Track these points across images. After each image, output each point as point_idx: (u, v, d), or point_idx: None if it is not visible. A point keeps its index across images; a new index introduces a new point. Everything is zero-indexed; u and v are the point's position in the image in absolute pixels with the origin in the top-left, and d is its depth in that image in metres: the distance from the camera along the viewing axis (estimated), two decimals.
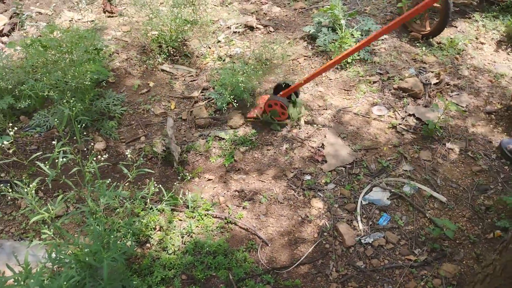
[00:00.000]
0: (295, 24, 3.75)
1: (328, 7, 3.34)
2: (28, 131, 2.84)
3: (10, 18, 4.00)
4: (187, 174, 2.47)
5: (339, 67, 3.21)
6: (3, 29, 3.84)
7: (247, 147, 2.66)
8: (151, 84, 3.24)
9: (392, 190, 2.33)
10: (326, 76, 3.16)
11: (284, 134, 2.72)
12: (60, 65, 2.69)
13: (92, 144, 2.74)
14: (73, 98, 2.58)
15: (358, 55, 3.21)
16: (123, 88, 3.20)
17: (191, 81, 3.24)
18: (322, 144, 2.63)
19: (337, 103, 2.93)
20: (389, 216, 2.21)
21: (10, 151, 1.83)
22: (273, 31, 3.67)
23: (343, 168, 2.49)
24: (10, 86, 2.76)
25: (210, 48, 3.57)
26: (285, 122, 2.76)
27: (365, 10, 3.83)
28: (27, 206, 2.37)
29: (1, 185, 2.43)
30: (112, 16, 3.97)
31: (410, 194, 2.31)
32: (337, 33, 3.30)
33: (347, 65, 3.20)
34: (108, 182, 1.94)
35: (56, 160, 1.80)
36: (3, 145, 2.48)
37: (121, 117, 2.95)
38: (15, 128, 2.69)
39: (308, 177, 2.46)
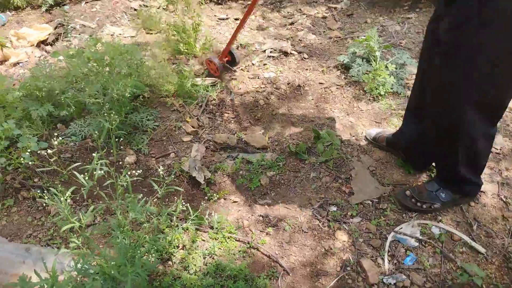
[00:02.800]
0: (329, 53, 3.78)
1: (364, 38, 3.36)
2: (64, 138, 2.93)
3: (55, 28, 4.19)
4: (214, 194, 2.49)
5: (371, 98, 3.20)
6: (47, 38, 4.02)
7: (274, 172, 2.67)
8: (186, 101, 3.31)
9: (420, 230, 2.28)
10: (358, 107, 3.16)
11: (312, 162, 2.72)
12: (101, 77, 2.79)
13: (123, 157, 2.80)
14: (110, 110, 2.66)
15: (392, 88, 3.20)
16: (157, 104, 3.28)
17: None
18: (350, 176, 2.61)
19: None
20: (416, 257, 2.16)
21: (52, 160, 1.87)
22: (307, 58, 3.72)
23: (370, 202, 2.46)
24: (54, 94, 2.88)
25: (243, 70, 3.62)
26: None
27: (401, 43, 3.83)
28: (58, 213, 2.44)
29: (34, 190, 2.51)
30: (151, 33, 4.09)
31: (438, 236, 2.25)
32: (371, 64, 3.31)
33: (380, 97, 3.19)
34: (139, 197, 1.98)
35: (94, 172, 1.84)
36: (39, 152, 2.57)
37: (153, 132, 3.01)
38: (55, 135, 2.80)
39: (334, 208, 2.44)
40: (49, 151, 1.93)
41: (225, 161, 2.76)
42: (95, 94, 2.74)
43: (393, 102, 3.17)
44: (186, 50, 3.73)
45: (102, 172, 1.82)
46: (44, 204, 2.52)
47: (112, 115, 2.56)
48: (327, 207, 2.45)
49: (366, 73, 3.28)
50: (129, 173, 1.95)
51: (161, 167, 2.31)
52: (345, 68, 3.51)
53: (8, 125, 2.47)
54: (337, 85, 3.37)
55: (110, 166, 2.76)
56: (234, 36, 3.27)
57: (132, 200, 1.87)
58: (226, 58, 3.49)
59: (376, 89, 3.19)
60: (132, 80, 2.84)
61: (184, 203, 2.21)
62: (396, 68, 3.28)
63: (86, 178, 1.83)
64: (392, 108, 3.11)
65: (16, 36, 4.01)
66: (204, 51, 3.79)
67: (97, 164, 1.80)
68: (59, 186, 2.55)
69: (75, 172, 1.87)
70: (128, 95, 2.75)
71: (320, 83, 3.41)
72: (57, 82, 2.98)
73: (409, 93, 3.20)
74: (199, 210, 2.27)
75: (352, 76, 3.33)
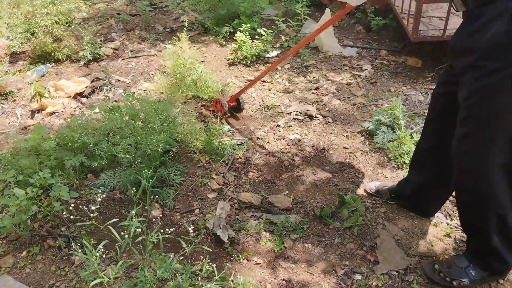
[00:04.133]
0: (353, 118, 3.87)
1: (389, 106, 3.46)
2: (93, 189, 3.00)
3: (92, 81, 4.42)
4: (238, 255, 2.47)
5: (395, 166, 3.23)
6: (84, 91, 4.24)
7: (298, 235, 2.66)
8: (212, 157, 3.39)
9: None
10: (382, 174, 3.19)
11: (337, 227, 2.71)
12: (135, 131, 2.91)
13: (149, 210, 2.84)
14: (141, 164, 2.74)
15: None
16: (184, 159, 3.36)
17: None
18: (375, 244, 2.58)
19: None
20: None
21: (93, 215, 1.92)
22: (332, 122, 3.81)
23: (396, 273, 2.41)
24: (87, 145, 3.00)
25: (267, 132, 3.72)
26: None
27: (424, 113, 3.91)
28: (82, 264, 2.45)
29: (61, 239, 2.55)
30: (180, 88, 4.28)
31: None
32: (395, 132, 3.38)
33: (404, 165, 3.22)
34: (171, 257, 1.98)
35: (126, 228, 1.88)
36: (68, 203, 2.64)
37: (179, 187, 3.07)
38: (85, 185, 2.87)
39: (358, 277, 2.39)
40: (92, 207, 1.98)
41: (249, 220, 2.77)
42: (127, 147, 2.84)
43: None
44: (204, 94, 4.01)
45: (139, 230, 1.85)
46: (69, 254, 2.54)
47: (144, 170, 2.65)
48: (351, 275, 2.41)
49: (390, 141, 3.33)
50: (162, 231, 1.97)
51: (191, 225, 2.32)
52: (370, 134, 3.57)
53: (43, 174, 2.56)
54: (362, 150, 3.42)
55: (136, 217, 2.80)
56: (247, 87, 3.62)
57: (163, 258, 1.88)
58: (233, 104, 3.83)
59: (401, 157, 3.22)
60: (165, 136, 2.95)
61: (210, 263, 2.20)
62: None
63: (118, 232, 1.86)
64: None
65: (55, 87, 4.24)
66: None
67: (133, 221, 1.84)
68: (85, 235, 2.60)
69: (112, 228, 1.90)
70: (160, 151, 2.84)
71: (344, 147, 3.47)
72: (91, 134, 3.11)
73: None
74: (224, 271, 2.25)
75: (377, 143, 3.39)
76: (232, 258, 2.47)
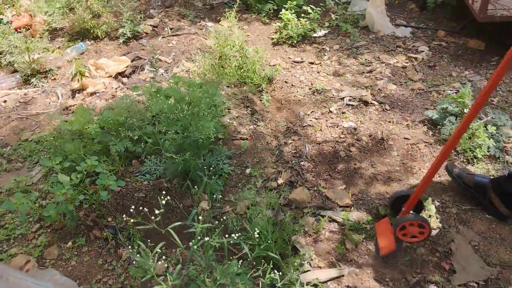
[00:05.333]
0: (412, 106, 3.55)
1: (458, 95, 3.12)
2: (138, 176, 2.84)
3: (132, 61, 4.24)
4: (299, 258, 2.26)
5: (465, 160, 2.92)
6: (125, 70, 4.06)
7: (361, 236, 2.42)
8: (259, 146, 3.17)
9: None
10: None
11: None
12: (182, 116, 2.70)
13: (197, 201, 2.66)
14: (188, 153, 2.55)
15: (488, 151, 2.91)
16: (231, 147, 3.15)
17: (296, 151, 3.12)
18: (450, 250, 2.32)
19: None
20: None
21: (155, 219, 1.73)
22: (389, 110, 3.50)
23: (476, 285, 2.15)
24: (132, 129, 2.82)
25: (318, 118, 3.45)
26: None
27: (492, 101, 3.55)
28: (130, 257, 2.30)
29: (107, 230, 2.40)
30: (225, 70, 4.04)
31: None
32: None
33: (475, 160, 2.90)
34: (232, 263, 1.78)
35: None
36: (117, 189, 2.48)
37: (228, 177, 2.86)
38: (130, 171, 2.70)
39: (433, 287, 2.14)
40: (156, 211, 1.78)
41: (307, 217, 2.55)
42: (174, 135, 2.63)
43: (491, 167, 2.86)
44: (249, 80, 3.67)
45: (207, 240, 1.65)
46: (116, 246, 2.40)
47: (192, 159, 2.45)
48: (425, 285, 2.16)
49: None
50: (226, 236, 1.77)
51: (255, 230, 2.09)
52: (433, 124, 3.25)
53: (91, 161, 2.39)
54: (425, 142, 3.11)
55: (184, 210, 2.62)
56: (427, 181, 2.16)
57: (229, 267, 1.68)
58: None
59: (472, 151, 2.91)
60: (214, 123, 2.73)
61: (274, 271, 1.99)
62: (498, 130, 2.99)
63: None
64: (490, 174, 2.81)
65: (95, 66, 4.08)
66: (264, 82, 3.69)
67: (201, 228, 1.64)
68: (132, 227, 2.44)
69: (172, 232, 1.71)
70: (210, 138, 2.63)
71: (405, 138, 3.17)
72: (136, 117, 2.93)
73: (508, 158, 2.91)
74: (288, 277, 2.05)
75: (443, 134, 3.07)
76: (297, 265, 2.24)
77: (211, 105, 2.99)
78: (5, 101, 3.76)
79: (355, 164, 2.97)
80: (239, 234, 1.85)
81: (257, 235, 1.80)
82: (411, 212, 2.30)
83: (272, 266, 2.18)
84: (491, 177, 2.56)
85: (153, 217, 1.80)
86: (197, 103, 2.82)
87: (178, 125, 2.68)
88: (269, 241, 2.21)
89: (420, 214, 2.39)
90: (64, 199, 2.28)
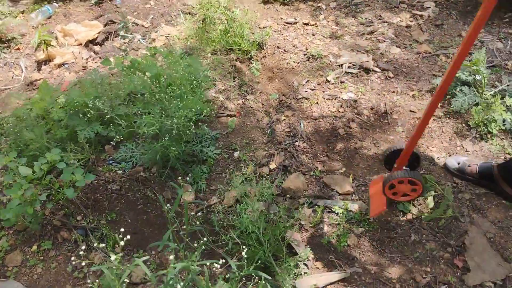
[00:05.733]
0: (419, 72, 3.19)
1: (472, 61, 2.76)
2: (112, 164, 2.52)
3: (105, 25, 3.79)
4: (294, 261, 1.99)
5: (478, 136, 2.61)
6: (97, 37, 3.63)
7: (364, 229, 2.16)
8: (249, 124, 2.84)
9: None
10: (462, 146, 2.58)
11: (410, 219, 2.19)
12: (161, 97, 2.35)
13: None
14: (167, 138, 2.21)
15: (504, 125, 2.60)
16: (217, 125, 2.81)
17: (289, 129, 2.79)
18: (463, 244, 2.06)
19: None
20: None
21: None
22: (393, 77, 3.14)
23: (493, 284, 1.91)
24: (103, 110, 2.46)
25: (314, 89, 3.10)
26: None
27: (506, 65, 3.19)
28: (103, 263, 2.02)
29: (77, 231, 2.11)
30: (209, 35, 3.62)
31: None
32: (478, 93, 2.71)
33: (489, 136, 2.60)
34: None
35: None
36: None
37: (213, 163, 2.55)
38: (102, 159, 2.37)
39: None
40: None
41: (303, 208, 2.27)
42: (151, 120, 2.28)
43: (506, 142, 2.57)
44: (237, 46, 3.28)
45: (185, 264, 1.36)
46: (87, 249, 2.12)
47: (172, 145, 2.13)
48: (435, 286, 1.92)
49: (474, 105, 2.68)
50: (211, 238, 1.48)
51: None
52: None
53: (52, 156, 2.06)
54: (434, 115, 2.78)
55: (165, 201, 2.32)
56: (418, 132, 1.89)
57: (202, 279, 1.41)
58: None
59: (486, 125, 2.60)
60: (195, 102, 2.38)
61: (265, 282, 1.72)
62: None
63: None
64: (506, 151, 2.52)
65: (63, 33, 3.64)
66: (253, 49, 3.30)
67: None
68: (105, 227, 2.15)
69: (141, 265, 1.41)
70: (193, 121, 2.29)
71: (411, 111, 2.84)
72: (108, 97, 2.56)
73: None
74: (282, 284, 1.79)
75: (453, 106, 2.74)
76: (292, 266, 1.97)
77: (194, 81, 2.61)
78: None
79: (356, 143, 2.66)
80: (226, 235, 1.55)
81: (246, 247, 1.51)
82: (404, 167, 2.03)
83: (264, 270, 1.92)
84: (496, 163, 2.25)
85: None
86: (177, 81, 2.45)
87: (155, 107, 2.33)
88: (261, 243, 1.94)
89: (417, 170, 2.15)
90: (22, 200, 1.97)
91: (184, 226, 1.53)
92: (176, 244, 1.47)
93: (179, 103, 2.27)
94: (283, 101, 3.02)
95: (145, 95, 2.36)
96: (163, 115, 2.33)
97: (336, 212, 2.24)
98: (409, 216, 2.20)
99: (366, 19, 3.79)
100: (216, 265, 1.37)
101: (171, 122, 2.18)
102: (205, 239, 1.50)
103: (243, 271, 1.50)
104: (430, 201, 2.16)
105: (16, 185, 1.98)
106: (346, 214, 2.22)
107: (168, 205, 1.56)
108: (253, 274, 1.50)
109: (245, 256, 1.47)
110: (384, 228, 2.17)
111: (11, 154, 2.05)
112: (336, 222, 2.19)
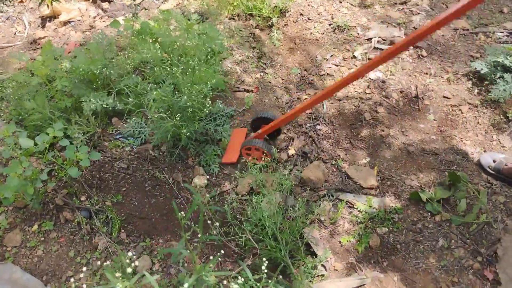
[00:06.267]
0: (455, 52, 2.91)
1: None
2: (120, 139, 2.34)
3: None
4: (312, 262, 1.85)
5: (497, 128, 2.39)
6: None
7: (387, 229, 2.00)
8: (267, 101, 2.62)
9: None
10: (498, 141, 2.37)
11: (438, 221, 2.02)
12: (173, 73, 2.13)
13: (190, 175, 2.21)
14: (179, 116, 2.02)
15: None
16: (233, 101, 2.60)
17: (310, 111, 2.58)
18: (495, 254, 1.90)
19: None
20: None
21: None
22: (426, 56, 2.87)
23: None
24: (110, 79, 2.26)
25: (339, 65, 2.84)
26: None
27: None
28: (107, 248, 1.90)
29: (80, 213, 1.97)
30: None
31: None
32: None
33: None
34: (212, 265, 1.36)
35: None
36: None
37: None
38: (109, 133, 2.20)
39: None
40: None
41: (322, 202, 2.10)
42: (162, 97, 2.07)
43: None
44: (257, 12, 3.01)
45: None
46: (91, 232, 1.99)
47: (184, 125, 1.94)
48: None
49: None
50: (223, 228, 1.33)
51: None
52: (480, 79, 2.66)
53: (54, 132, 1.88)
54: (469, 103, 2.55)
55: (175, 185, 2.17)
56: (289, 117, 2.06)
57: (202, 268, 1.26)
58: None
59: None
60: (213, 75, 2.16)
61: (278, 278, 1.58)
62: None
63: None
64: None
65: None
66: (275, 15, 3.02)
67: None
68: (110, 209, 2.01)
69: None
70: (207, 96, 2.08)
71: (444, 97, 2.61)
72: (116, 65, 2.34)
73: None
74: (295, 286, 1.66)
75: (492, 94, 2.50)
76: (305, 264, 1.83)
77: (209, 52, 2.38)
78: None
79: (382, 130, 2.45)
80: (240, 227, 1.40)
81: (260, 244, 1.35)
82: (266, 136, 2.24)
83: (279, 271, 1.79)
84: None
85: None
86: (191, 51, 2.22)
87: (167, 86, 2.11)
88: (276, 239, 1.79)
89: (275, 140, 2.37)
90: (22, 179, 1.81)
91: (199, 233, 1.37)
92: (189, 251, 1.31)
93: (192, 77, 2.04)
94: (305, 77, 2.78)
95: (156, 69, 2.13)
96: (175, 91, 2.12)
97: (358, 208, 2.07)
98: (438, 218, 2.03)
99: None
100: (234, 286, 1.21)
101: (183, 100, 1.97)
102: (222, 251, 1.34)
103: (261, 282, 1.36)
104: (463, 204, 1.98)
105: (15, 162, 1.81)
106: (369, 211, 2.06)
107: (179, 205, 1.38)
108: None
109: (265, 270, 1.32)
110: (410, 230, 2.01)
111: (10, 128, 1.87)
112: (358, 220, 2.03)
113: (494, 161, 2.18)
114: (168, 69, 2.11)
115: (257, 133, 2.20)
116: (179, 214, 1.27)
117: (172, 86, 2.12)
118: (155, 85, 2.12)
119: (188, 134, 2.07)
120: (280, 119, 2.09)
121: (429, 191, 2.12)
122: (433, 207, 2.04)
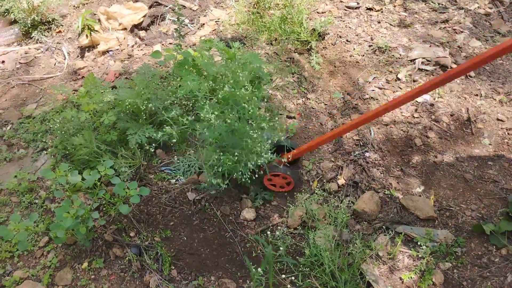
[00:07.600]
0: (504, 71, 2.79)
1: None
2: (165, 171, 2.30)
3: (150, 7, 3.51)
4: None
5: None
6: (142, 21, 3.36)
7: (451, 265, 1.89)
8: (311, 128, 2.56)
9: None
10: None
11: (505, 255, 1.89)
12: (219, 99, 2.09)
13: (237, 208, 2.15)
14: (237, 152, 1.96)
15: None
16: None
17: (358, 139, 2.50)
18: None
19: None
20: None
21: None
22: (474, 77, 2.76)
23: None
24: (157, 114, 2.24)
25: (383, 88, 2.76)
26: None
27: None
28: (159, 285, 1.84)
29: (130, 250, 1.93)
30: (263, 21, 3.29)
31: None
32: None
33: None
34: None
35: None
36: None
37: None
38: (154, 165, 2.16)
39: None
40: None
41: (378, 235, 2.00)
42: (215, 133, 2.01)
43: None
44: (295, 36, 2.96)
45: None
46: (141, 269, 1.94)
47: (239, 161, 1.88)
48: None
49: None
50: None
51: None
52: None
53: (105, 169, 1.85)
54: None
55: (222, 218, 2.11)
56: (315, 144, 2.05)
57: None
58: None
59: None
60: (274, 129, 2.11)
61: None
62: None
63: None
64: None
65: (106, 15, 3.39)
66: (313, 39, 2.96)
67: None
68: (160, 245, 1.96)
69: None
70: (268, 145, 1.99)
71: (498, 119, 2.49)
72: (160, 97, 2.32)
73: None
74: None
75: None
76: None
77: (255, 80, 2.34)
78: (3, 62, 3.18)
79: (435, 156, 2.35)
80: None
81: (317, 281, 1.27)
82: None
83: None
84: None
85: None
86: (239, 83, 2.16)
87: (215, 114, 2.05)
88: (334, 276, 1.70)
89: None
90: (74, 218, 1.78)
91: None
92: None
93: (253, 132, 1.94)
94: (348, 101, 2.71)
95: (205, 109, 2.04)
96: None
97: (417, 242, 1.96)
98: (504, 252, 1.90)
99: (439, 4, 3.37)
100: None
101: (246, 158, 1.91)
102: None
103: None
104: None
105: (67, 201, 1.79)
106: (430, 244, 1.95)
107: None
108: None
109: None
110: (474, 265, 1.89)
111: (62, 167, 1.85)
112: (419, 255, 1.92)
113: None
114: (216, 99, 2.07)
115: (279, 160, 2.08)
116: (253, 271, 1.20)
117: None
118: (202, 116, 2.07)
119: (241, 166, 2.00)
120: (301, 150, 2.08)
121: (492, 222, 2.00)
122: (499, 241, 1.91)
